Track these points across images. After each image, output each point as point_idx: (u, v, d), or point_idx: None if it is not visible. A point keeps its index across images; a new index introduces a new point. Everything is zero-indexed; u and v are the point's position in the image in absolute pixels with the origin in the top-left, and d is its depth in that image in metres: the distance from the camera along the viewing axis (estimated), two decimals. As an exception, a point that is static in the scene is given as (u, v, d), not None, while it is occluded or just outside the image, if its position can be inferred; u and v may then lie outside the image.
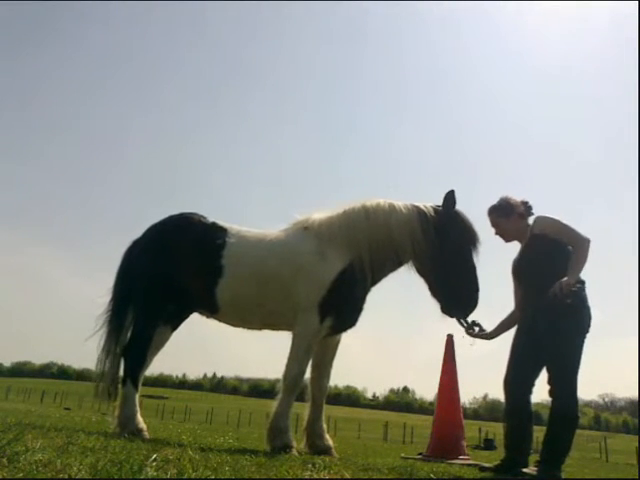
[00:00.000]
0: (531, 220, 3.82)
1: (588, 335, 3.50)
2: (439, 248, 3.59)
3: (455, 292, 3.60)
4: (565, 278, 3.37)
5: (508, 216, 3.83)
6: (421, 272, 3.75)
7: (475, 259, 3.67)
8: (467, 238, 3.67)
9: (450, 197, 3.69)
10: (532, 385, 3.59)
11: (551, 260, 3.57)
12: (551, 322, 3.50)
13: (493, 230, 3.90)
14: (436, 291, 3.68)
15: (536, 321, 3.59)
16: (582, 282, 3.53)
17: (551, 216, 3.67)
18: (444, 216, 3.68)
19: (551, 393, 3.46)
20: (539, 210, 3.83)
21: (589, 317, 3.52)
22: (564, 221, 3.60)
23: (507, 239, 3.89)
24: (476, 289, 3.62)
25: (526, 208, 3.86)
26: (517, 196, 3.91)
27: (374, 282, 3.75)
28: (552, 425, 3.39)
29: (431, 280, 3.70)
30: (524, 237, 3.78)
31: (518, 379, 3.59)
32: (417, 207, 3.74)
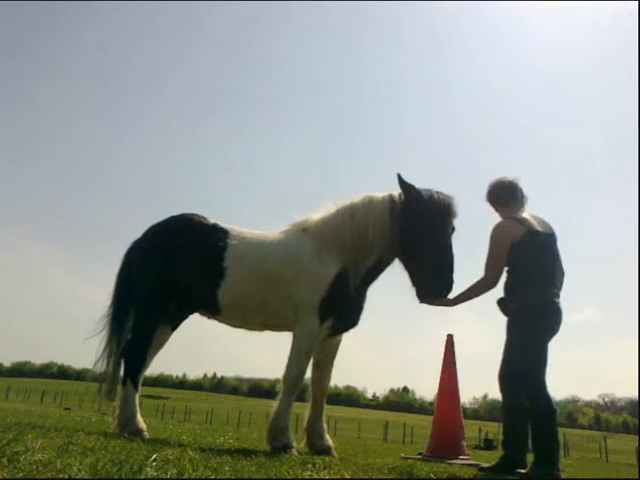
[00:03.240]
0: (527, 205, 3.77)
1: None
2: (407, 237, 3.52)
3: (425, 276, 3.50)
4: (452, 296, 3.57)
5: (496, 208, 3.86)
6: (404, 265, 3.67)
7: (444, 239, 3.51)
8: (431, 218, 3.50)
9: (400, 182, 3.61)
10: None
11: (511, 264, 3.60)
12: (507, 325, 3.65)
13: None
14: (411, 280, 3.59)
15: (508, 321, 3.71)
16: (541, 283, 3.54)
17: (501, 229, 3.62)
18: (409, 201, 3.58)
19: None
20: (535, 207, 3.81)
21: (549, 316, 3.51)
22: (498, 245, 3.58)
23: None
24: (447, 270, 3.48)
25: (506, 196, 3.77)
26: (510, 177, 3.83)
27: (371, 279, 3.73)
28: (533, 425, 3.44)
29: (408, 271, 3.62)
30: None
31: (511, 375, 3.62)
32: (391, 198, 3.67)
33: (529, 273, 3.53)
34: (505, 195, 3.79)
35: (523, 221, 3.59)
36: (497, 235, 3.62)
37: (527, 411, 3.56)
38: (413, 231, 3.52)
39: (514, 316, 3.58)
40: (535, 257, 3.53)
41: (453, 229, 3.61)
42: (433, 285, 3.51)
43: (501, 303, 3.67)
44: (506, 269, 3.66)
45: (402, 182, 3.62)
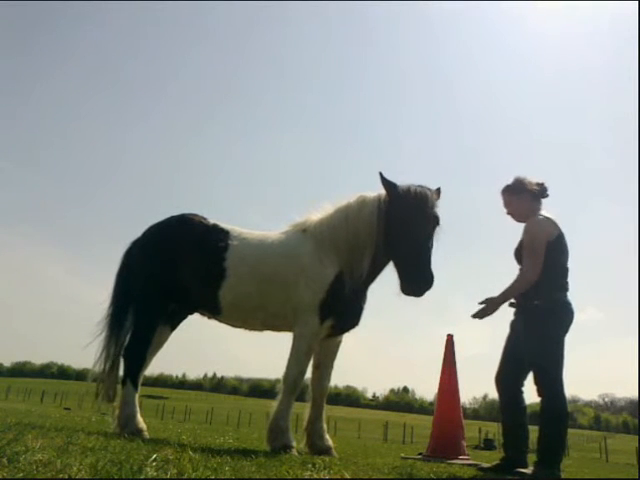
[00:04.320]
0: (544, 205, 3.79)
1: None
2: (389, 234, 3.47)
3: (404, 271, 3.39)
4: (494, 296, 3.55)
5: (519, 194, 3.81)
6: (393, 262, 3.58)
7: (421, 232, 3.38)
8: (409, 212, 3.41)
9: (382, 180, 3.56)
10: (523, 382, 3.63)
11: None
12: (526, 322, 3.61)
13: (505, 210, 3.89)
14: (397, 274, 3.48)
15: (517, 320, 3.70)
16: (562, 283, 3.56)
17: (541, 224, 3.62)
18: (393, 200, 3.53)
19: (538, 393, 3.49)
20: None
21: (567, 317, 3.53)
22: (541, 240, 3.56)
23: (517, 219, 3.85)
24: (424, 263, 3.34)
25: (540, 189, 3.81)
26: (533, 177, 3.85)
27: (371, 279, 3.71)
28: (543, 424, 3.41)
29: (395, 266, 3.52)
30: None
31: (509, 376, 3.62)
32: (379, 197, 3.63)
33: (555, 272, 3.56)
34: (541, 193, 3.81)
35: (554, 222, 3.65)
36: (538, 232, 3.60)
37: (524, 409, 3.57)
38: (393, 227, 3.47)
39: (537, 314, 3.52)
40: (561, 257, 3.60)
41: (436, 221, 3.48)
42: (412, 279, 3.37)
43: (525, 299, 3.63)
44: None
45: (384, 180, 3.57)
